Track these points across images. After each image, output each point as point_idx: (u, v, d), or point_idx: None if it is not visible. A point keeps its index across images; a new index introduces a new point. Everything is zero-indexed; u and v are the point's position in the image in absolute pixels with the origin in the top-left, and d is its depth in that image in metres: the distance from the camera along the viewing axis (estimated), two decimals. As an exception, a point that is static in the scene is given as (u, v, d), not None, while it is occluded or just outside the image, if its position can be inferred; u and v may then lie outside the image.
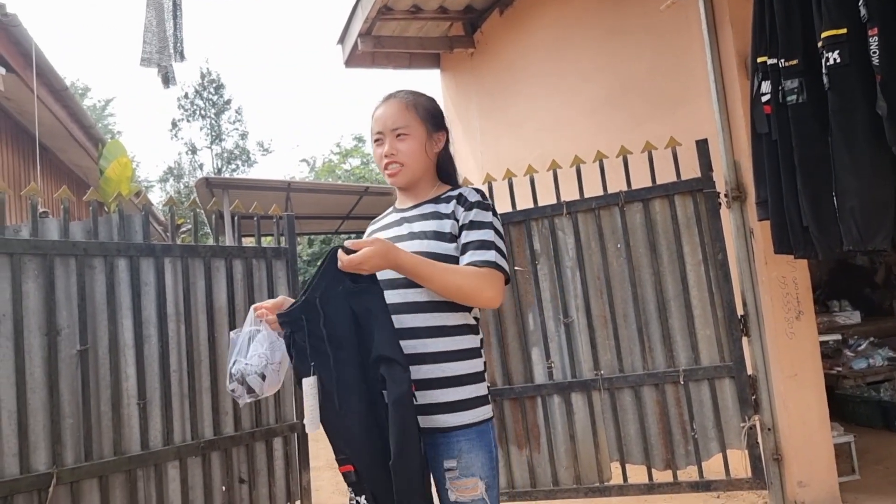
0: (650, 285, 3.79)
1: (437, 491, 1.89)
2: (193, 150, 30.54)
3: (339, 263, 1.72)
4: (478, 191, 1.96)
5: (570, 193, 3.97)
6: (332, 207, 13.38)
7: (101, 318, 3.09)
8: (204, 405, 3.42)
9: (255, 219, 3.94)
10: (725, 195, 3.75)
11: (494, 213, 1.94)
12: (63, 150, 8.74)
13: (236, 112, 31.78)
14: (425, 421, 1.84)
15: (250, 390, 1.96)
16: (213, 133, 30.54)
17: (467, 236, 1.87)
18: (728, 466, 3.67)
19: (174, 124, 30.56)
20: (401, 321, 1.82)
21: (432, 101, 2.08)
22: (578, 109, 5.61)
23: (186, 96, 30.05)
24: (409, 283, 1.86)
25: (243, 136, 31.43)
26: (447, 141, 2.07)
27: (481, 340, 1.96)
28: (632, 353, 3.81)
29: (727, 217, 3.74)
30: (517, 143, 6.45)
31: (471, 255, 1.84)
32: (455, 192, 1.96)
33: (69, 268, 3.01)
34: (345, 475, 1.72)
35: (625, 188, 3.84)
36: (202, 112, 30.37)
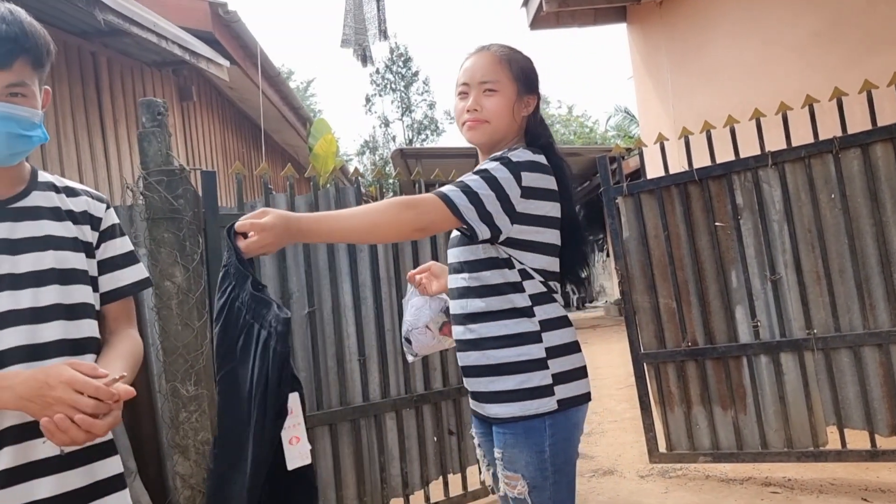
0: (870, 237, 3.51)
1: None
2: (386, 123, 32.06)
3: (240, 250, 1.48)
4: (522, 149, 1.75)
5: (774, 143, 3.75)
6: (521, 171, 13.47)
7: (324, 282, 3.44)
8: (415, 362, 3.70)
9: (437, 185, 4.10)
10: (962, 134, 3.36)
11: (511, 167, 1.66)
12: (277, 132, 9.60)
13: (424, 83, 32.80)
14: (478, 407, 1.77)
15: (411, 350, 2.08)
16: (404, 105, 31.81)
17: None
18: (968, 433, 3.35)
19: (368, 99, 32.25)
20: (455, 306, 1.79)
21: (529, 60, 1.87)
22: (782, 49, 5.22)
23: (378, 72, 31.49)
24: (453, 270, 1.80)
25: (431, 106, 32.47)
26: (537, 107, 1.87)
27: (546, 322, 1.70)
28: (850, 311, 3.57)
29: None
30: (713, 93, 6.14)
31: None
32: None
33: (296, 238, 3.37)
34: None
35: (838, 134, 3.56)
36: (392, 86, 31.71)
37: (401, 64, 31.91)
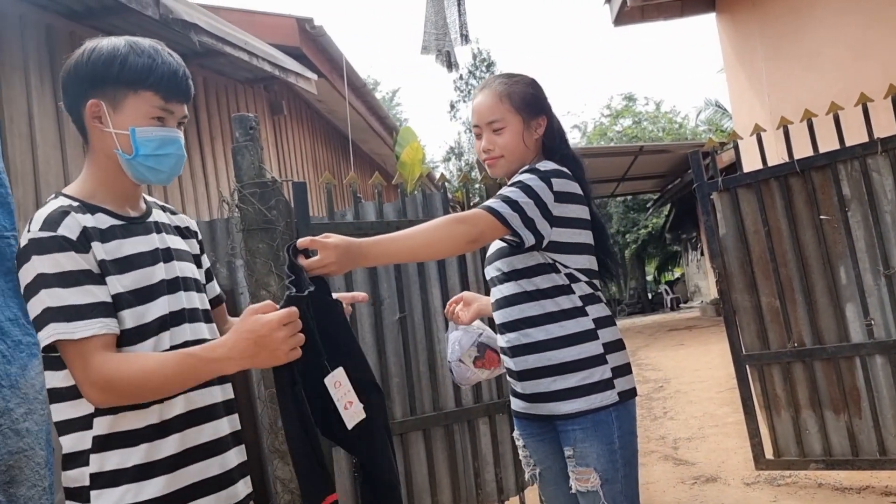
0: None
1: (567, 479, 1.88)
2: (470, 129, 32.15)
3: (302, 266, 1.51)
4: (545, 161, 1.90)
5: (883, 129, 3.52)
6: (607, 170, 13.26)
7: (413, 288, 3.46)
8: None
9: None
10: None
11: (541, 175, 1.80)
12: (364, 141, 9.78)
13: (507, 87, 32.66)
14: (542, 408, 1.84)
15: (455, 381, 2.22)
16: (488, 110, 31.77)
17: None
18: None
19: (452, 106, 32.36)
20: (505, 314, 1.88)
21: (528, 85, 1.98)
22: (889, 28, 4.90)
23: (461, 77, 31.59)
24: (499, 280, 1.90)
25: (515, 109, 32.31)
26: (550, 123, 1.98)
27: (598, 320, 1.83)
28: (976, 306, 3.30)
29: None
30: (813, 80, 5.83)
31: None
32: None
33: (385, 245, 3.40)
34: None
35: (957, 116, 3.31)
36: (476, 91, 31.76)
37: (484, 69, 31.90)
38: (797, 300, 3.78)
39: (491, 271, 1.97)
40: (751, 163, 4.10)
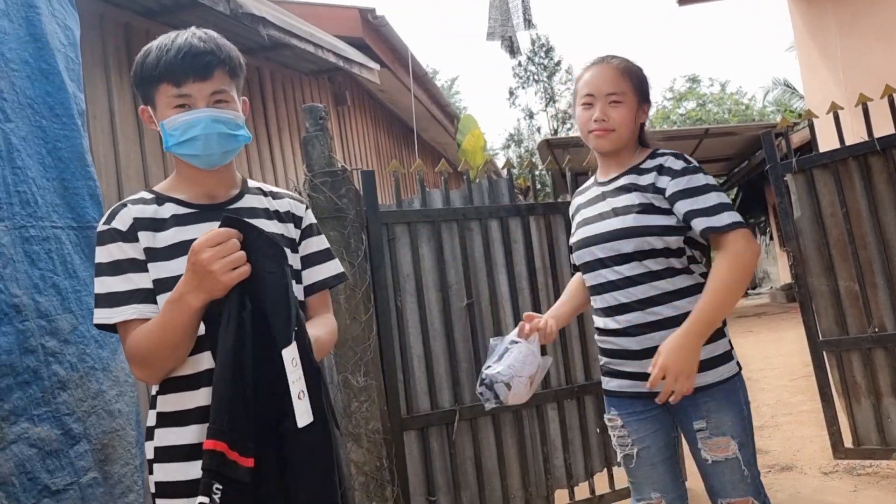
0: None
1: (691, 450, 1.94)
2: (530, 115, 31.88)
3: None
4: (678, 155, 1.93)
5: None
6: (672, 154, 12.93)
7: (480, 274, 3.47)
8: (574, 352, 3.65)
9: (589, 174, 3.93)
10: None
11: (705, 172, 1.90)
12: (426, 130, 9.82)
13: (567, 72, 32.30)
14: (635, 385, 1.94)
15: (496, 397, 2.04)
16: (547, 96, 31.49)
17: (692, 204, 1.84)
18: None
19: (511, 93, 32.24)
20: (627, 294, 1.92)
21: (643, 70, 2.04)
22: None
23: (520, 64, 31.35)
24: (617, 261, 1.94)
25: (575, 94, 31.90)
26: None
27: None
28: None
29: None
30: (890, 54, 5.57)
31: (704, 222, 1.82)
32: (654, 163, 1.94)
33: (452, 231, 3.42)
34: (213, 455, 1.24)
35: None
36: (535, 77, 31.46)
37: (542, 54, 31.58)
38: (878, 284, 3.65)
39: (599, 251, 1.98)
40: (826, 142, 3.96)
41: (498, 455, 3.38)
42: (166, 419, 1.43)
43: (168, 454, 1.42)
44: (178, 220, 1.47)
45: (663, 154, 1.95)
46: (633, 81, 1.97)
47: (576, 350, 3.65)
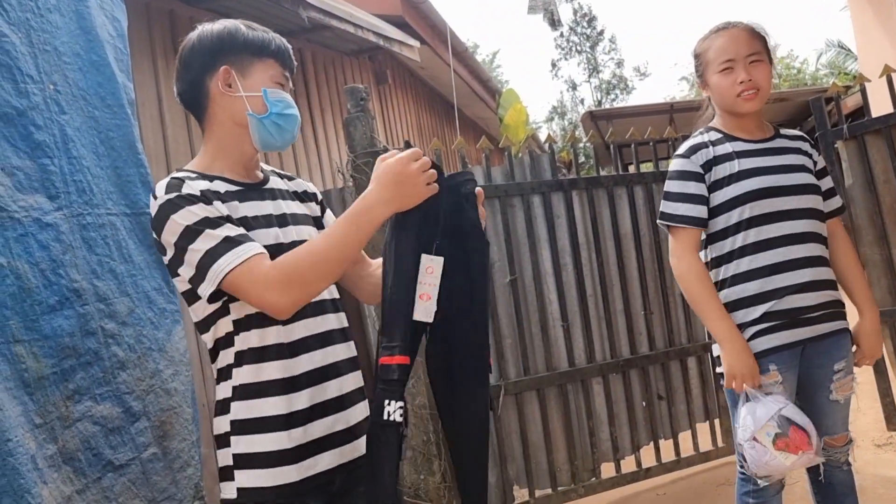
0: None
1: (813, 396, 2.04)
2: (573, 87, 31.43)
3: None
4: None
5: None
6: (721, 122, 12.61)
7: (523, 250, 3.48)
8: (619, 326, 3.64)
9: (633, 145, 3.88)
10: None
11: None
12: (467, 106, 9.78)
13: (610, 41, 31.76)
14: (831, 326, 2.01)
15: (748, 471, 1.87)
16: (590, 66, 30.98)
17: (827, 183, 2.10)
18: None
19: (553, 65, 31.80)
20: (809, 249, 2.00)
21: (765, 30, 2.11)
22: None
23: (562, 35, 30.87)
24: (801, 215, 2.01)
25: (619, 64, 31.30)
26: None
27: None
28: None
29: None
30: (952, 13, 5.35)
31: (837, 202, 2.11)
32: (797, 133, 2.11)
33: (494, 207, 3.43)
34: (386, 368, 1.39)
35: None
36: (577, 48, 30.96)
37: (585, 24, 31.03)
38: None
39: (801, 227, 1.98)
40: (880, 107, 3.84)
41: (543, 429, 3.41)
42: (245, 392, 1.42)
43: (246, 427, 1.42)
44: (233, 197, 1.47)
45: (785, 130, 2.12)
46: (763, 41, 2.04)
47: (620, 323, 3.64)
